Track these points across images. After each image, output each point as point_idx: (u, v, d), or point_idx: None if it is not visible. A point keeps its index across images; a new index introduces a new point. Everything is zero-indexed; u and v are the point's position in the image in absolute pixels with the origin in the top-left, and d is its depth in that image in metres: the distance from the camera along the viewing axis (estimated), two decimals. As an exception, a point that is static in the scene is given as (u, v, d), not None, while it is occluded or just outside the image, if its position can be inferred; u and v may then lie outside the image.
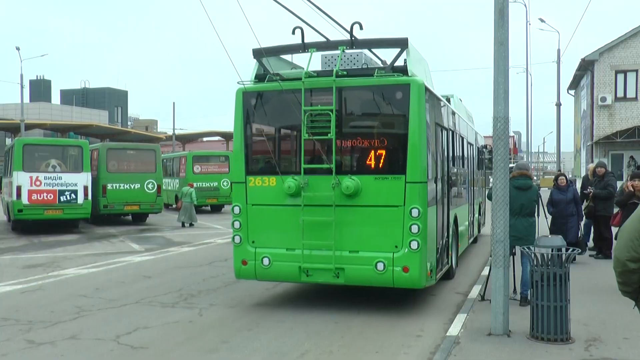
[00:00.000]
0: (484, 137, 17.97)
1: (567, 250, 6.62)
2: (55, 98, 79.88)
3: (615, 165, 28.08)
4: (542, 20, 36.95)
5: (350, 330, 7.30)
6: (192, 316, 7.96)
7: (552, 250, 6.54)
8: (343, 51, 8.01)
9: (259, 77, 8.32)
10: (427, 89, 7.87)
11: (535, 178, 13.95)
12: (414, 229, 7.51)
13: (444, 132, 9.45)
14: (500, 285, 6.72)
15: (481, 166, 15.29)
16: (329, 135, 7.70)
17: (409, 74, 7.69)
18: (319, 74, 8.02)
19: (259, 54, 8.12)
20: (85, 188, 18.26)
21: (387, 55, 8.46)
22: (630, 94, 30.06)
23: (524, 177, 8.41)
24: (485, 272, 9.68)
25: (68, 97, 77.92)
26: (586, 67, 31.62)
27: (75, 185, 18.09)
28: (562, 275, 6.45)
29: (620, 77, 30.14)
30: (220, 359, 6.21)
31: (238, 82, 8.19)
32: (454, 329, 6.94)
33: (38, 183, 17.67)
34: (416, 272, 7.57)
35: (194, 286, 9.93)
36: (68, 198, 17.99)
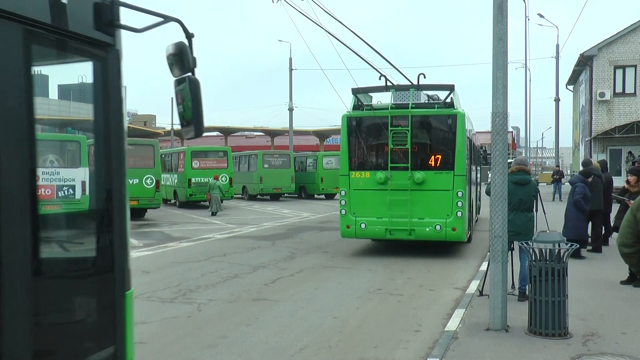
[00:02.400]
0: (483, 132, 20.30)
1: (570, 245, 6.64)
2: (53, 93, 79.88)
3: (613, 160, 28.13)
4: (541, 16, 36.94)
5: (349, 325, 7.32)
6: (190, 311, 7.97)
7: (551, 246, 6.56)
8: (413, 92, 12.24)
9: (355, 107, 12.51)
10: (465, 116, 12.16)
11: (533, 173, 14.01)
12: (459, 204, 11.78)
13: (469, 141, 13.16)
14: (498, 281, 6.74)
15: (479, 161, 18.52)
16: (406, 145, 11.95)
17: (455, 107, 11.98)
18: (397, 106, 12.09)
19: (356, 91, 12.45)
20: (83, 183, 18.23)
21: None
22: (629, 89, 30.07)
23: (523, 172, 8.42)
24: (484, 267, 9.70)
25: (65, 92, 77.89)
26: (585, 62, 31.63)
27: (73, 180, 18.03)
28: (561, 270, 6.47)
29: (619, 72, 30.15)
30: (219, 353, 6.22)
31: (347, 113, 12.54)
32: (453, 324, 6.96)
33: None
34: (460, 231, 11.87)
35: (193, 281, 9.94)
36: (66, 193, 17.94)
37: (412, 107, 12.06)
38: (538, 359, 5.76)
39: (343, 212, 12.47)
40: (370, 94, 13.05)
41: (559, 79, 37.84)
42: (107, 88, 3.03)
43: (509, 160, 9.39)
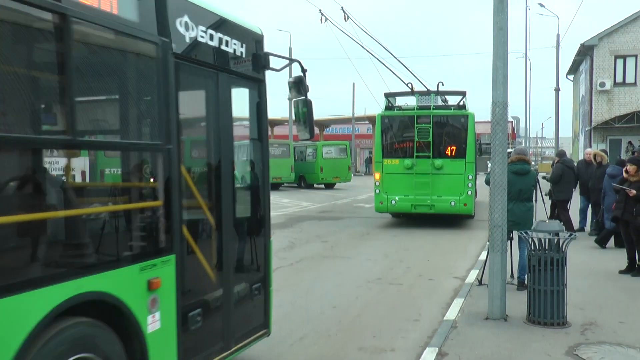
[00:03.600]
0: (482, 122, 23.37)
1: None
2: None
3: (613, 150, 28.05)
4: (541, 5, 36.77)
5: (348, 314, 7.34)
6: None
7: (550, 235, 6.57)
8: (433, 96, 15.35)
9: (387, 108, 15.69)
10: (474, 116, 15.44)
11: (533, 163, 14.17)
12: (469, 185, 14.93)
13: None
14: (497, 270, 6.75)
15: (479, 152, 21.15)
16: (428, 139, 14.94)
17: (467, 109, 15.37)
18: (421, 107, 15.21)
19: (388, 95, 15.79)
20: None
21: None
22: (630, 79, 29.97)
23: (522, 162, 8.41)
24: (483, 256, 9.72)
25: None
26: (585, 52, 31.51)
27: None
28: (560, 259, 6.48)
29: (620, 62, 30.04)
30: (218, 343, 6.23)
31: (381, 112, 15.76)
32: (452, 314, 6.98)
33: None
34: (470, 206, 15.12)
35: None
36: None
37: (433, 109, 15.24)
38: (536, 348, 5.78)
39: (377, 191, 15.49)
40: (397, 97, 16.17)
41: (559, 69, 37.72)
42: (261, 105, 5.31)
43: (509, 150, 9.42)
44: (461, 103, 15.45)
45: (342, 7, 13.42)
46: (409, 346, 6.12)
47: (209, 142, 4.70)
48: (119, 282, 3.58)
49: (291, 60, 5.42)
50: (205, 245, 4.66)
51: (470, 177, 14.96)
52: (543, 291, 6.47)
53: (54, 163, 3.62)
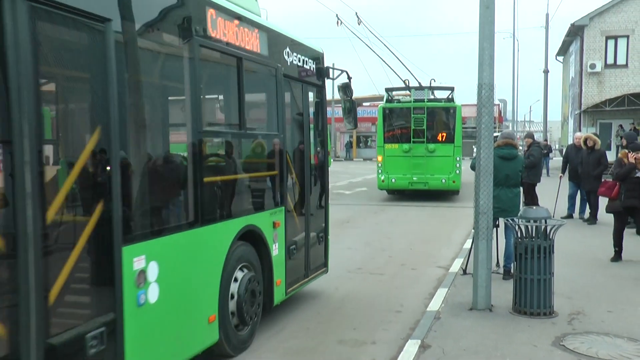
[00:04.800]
0: (468, 105, 26.15)
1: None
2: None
3: (603, 134, 28.39)
4: (530, -18, 36.90)
5: (328, 306, 7.38)
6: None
7: (537, 222, 6.65)
8: (426, 91, 18.92)
9: (388, 100, 19.28)
10: (461, 107, 19.03)
11: (520, 148, 14.32)
12: (457, 165, 18.39)
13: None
14: (483, 259, 6.81)
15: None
16: (422, 127, 18.42)
17: (454, 101, 18.98)
18: (416, 100, 18.62)
19: (389, 90, 19.40)
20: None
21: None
22: (621, 60, 30.25)
23: (509, 146, 8.45)
24: (468, 245, 9.81)
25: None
26: (575, 32, 31.74)
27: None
28: (547, 247, 6.57)
29: (611, 43, 30.30)
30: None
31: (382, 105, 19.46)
32: (435, 304, 7.04)
33: None
34: (458, 183, 18.70)
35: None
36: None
37: (426, 101, 18.67)
38: (522, 338, 5.87)
39: (379, 171, 19.06)
40: (395, 91, 19.93)
41: (548, 50, 37.97)
42: (323, 104, 7.74)
43: (495, 134, 9.55)
44: (450, 96, 19.16)
45: (356, 13, 16.38)
46: (390, 338, 6.18)
47: (300, 132, 7.27)
48: (261, 221, 6.02)
49: (342, 71, 7.91)
50: (297, 203, 7.04)
51: (458, 158, 18.59)
52: (529, 280, 6.55)
53: (236, 146, 6.00)
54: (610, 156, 26.13)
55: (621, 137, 14.50)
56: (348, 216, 15.46)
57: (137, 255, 4.06)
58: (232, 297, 5.49)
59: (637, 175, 9.28)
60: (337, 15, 15.90)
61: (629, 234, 9.72)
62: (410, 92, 18.96)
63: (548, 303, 6.59)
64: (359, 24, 16.57)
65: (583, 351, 5.50)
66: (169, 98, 5.19)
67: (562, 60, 41.31)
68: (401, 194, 20.53)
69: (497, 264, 8.62)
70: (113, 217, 3.80)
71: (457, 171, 18.47)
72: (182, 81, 4.90)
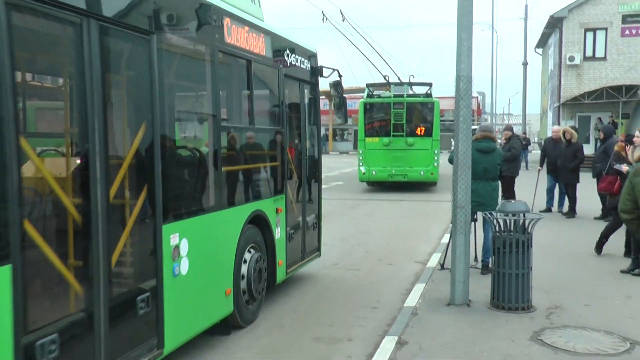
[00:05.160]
0: (446, 97, 26.53)
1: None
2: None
3: (582, 127, 28.80)
4: (509, -27, 37.20)
5: (303, 302, 7.39)
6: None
7: (516, 216, 6.72)
8: (406, 87, 20.26)
9: (369, 96, 20.48)
10: (439, 102, 20.54)
11: (499, 141, 14.44)
12: (435, 157, 19.58)
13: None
14: (461, 253, 6.86)
15: None
16: (402, 121, 19.59)
17: (433, 97, 20.14)
18: (396, 96, 19.82)
19: (370, 85, 20.69)
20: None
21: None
22: (600, 53, 30.66)
23: (488, 139, 8.52)
24: (446, 239, 9.88)
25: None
26: (554, 24, 32.09)
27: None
28: (525, 241, 6.64)
29: (590, 35, 30.69)
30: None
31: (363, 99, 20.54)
32: (412, 300, 7.09)
33: None
34: (436, 175, 19.83)
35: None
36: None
37: (406, 97, 19.86)
38: (500, 334, 5.93)
39: (360, 164, 20.05)
40: (375, 86, 21.16)
41: (527, 42, 38.42)
42: (316, 100, 8.64)
43: (474, 127, 9.65)
44: (428, 92, 20.25)
45: (340, 10, 18.06)
46: (367, 335, 6.20)
47: (297, 126, 8.08)
48: (267, 206, 6.85)
49: (333, 70, 8.73)
50: (295, 190, 7.89)
51: (436, 151, 19.77)
52: (508, 274, 6.62)
53: (247, 139, 6.76)
54: (589, 149, 26.56)
55: (599, 130, 14.70)
56: (324, 211, 15.30)
57: (172, 232, 4.86)
58: (243, 277, 6.31)
59: (615, 167, 9.42)
60: (322, 12, 17.43)
61: (605, 224, 9.86)
62: (390, 87, 20.18)
63: (526, 298, 6.66)
64: (343, 21, 18.22)
65: (560, 345, 5.58)
66: (197, 97, 5.96)
67: (541, 53, 41.77)
68: (379, 187, 21.27)
69: (475, 259, 8.70)
70: (155, 200, 4.64)
71: (435, 164, 19.67)
72: (205, 82, 5.75)
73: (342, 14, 17.77)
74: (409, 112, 19.73)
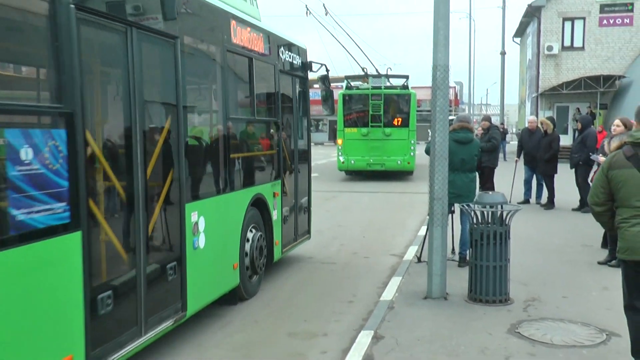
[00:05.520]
0: (423, 87, 27.62)
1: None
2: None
3: (560, 117, 29.13)
4: (487, -40, 37.40)
5: (278, 297, 7.38)
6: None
7: (493, 208, 6.78)
8: (383, 79, 21.59)
9: (347, 87, 21.74)
10: (416, 94, 21.88)
11: (476, 131, 14.51)
12: (412, 147, 20.82)
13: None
14: (438, 246, 6.90)
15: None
16: (380, 112, 20.65)
17: (409, 89, 21.37)
18: (374, 87, 20.99)
19: (348, 78, 22.15)
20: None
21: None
22: (578, 43, 31.00)
23: (465, 130, 8.56)
24: (422, 232, 9.94)
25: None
26: (533, 13, 32.37)
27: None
28: (503, 233, 6.70)
29: (568, 24, 31.01)
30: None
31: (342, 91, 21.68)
32: (388, 294, 7.12)
33: None
34: (412, 164, 21.03)
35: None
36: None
37: (383, 89, 21.08)
38: (478, 327, 5.99)
39: (339, 153, 21.37)
40: (353, 78, 22.67)
41: (505, 31, 38.73)
42: (306, 92, 9.54)
43: (451, 118, 9.72)
44: (405, 84, 21.47)
45: (323, 4, 19.29)
46: (342, 330, 6.22)
47: (290, 117, 8.83)
48: (266, 190, 7.66)
49: (321, 65, 9.53)
50: (288, 176, 8.60)
51: (412, 141, 21.03)
52: (485, 267, 6.68)
53: (250, 129, 7.59)
54: (567, 140, 26.87)
55: (577, 121, 14.90)
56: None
57: (193, 210, 5.71)
58: (247, 254, 7.10)
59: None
60: (306, 6, 18.87)
61: (584, 217, 10.01)
62: (368, 79, 21.52)
63: (504, 290, 6.74)
64: (326, 15, 19.69)
65: (538, 338, 5.66)
66: (210, 92, 6.77)
67: (519, 42, 42.10)
68: (355, 178, 22.22)
69: (453, 251, 8.77)
70: (180, 182, 5.50)
71: (412, 153, 20.97)
72: (216, 78, 6.58)
73: (325, 7, 19.07)
74: (386, 104, 20.85)
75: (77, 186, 4.04)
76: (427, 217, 7.38)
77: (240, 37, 6.93)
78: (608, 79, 28.84)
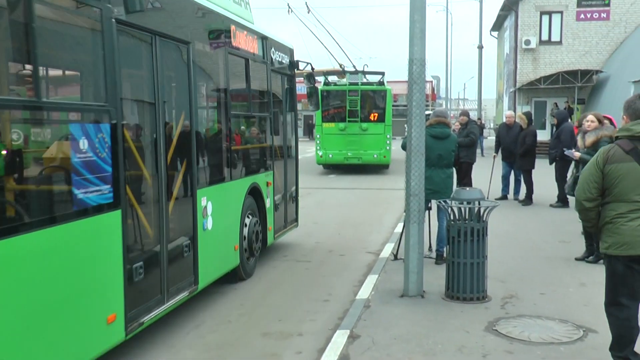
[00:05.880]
0: (399, 81, 29.24)
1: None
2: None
3: (538, 112, 29.48)
4: (464, -47, 37.64)
5: (251, 297, 7.37)
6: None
7: (469, 204, 6.83)
8: (360, 75, 22.58)
9: (325, 83, 22.42)
10: (391, 90, 23.59)
11: (453, 127, 14.60)
12: (387, 142, 22.23)
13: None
14: (414, 243, 6.92)
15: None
16: (357, 107, 22.02)
17: (385, 85, 23.02)
18: (351, 84, 22.30)
19: (326, 73, 22.22)
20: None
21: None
22: (555, 37, 31.37)
23: (442, 125, 8.59)
24: (399, 229, 9.99)
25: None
26: (510, 7, 32.70)
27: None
28: (480, 230, 6.75)
29: (545, 18, 31.36)
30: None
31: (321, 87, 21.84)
32: (364, 292, 7.14)
33: None
34: (388, 158, 22.55)
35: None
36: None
37: (360, 85, 22.29)
38: (455, 325, 6.03)
39: (318, 147, 22.42)
40: (330, 75, 23.38)
41: (482, 25, 39.02)
42: (293, 90, 10.39)
43: (428, 112, 9.77)
44: (381, 80, 22.92)
45: (306, 2, 19.69)
46: (318, 329, 6.23)
47: (280, 112, 9.68)
48: (260, 180, 8.53)
49: (307, 63, 10.45)
50: (279, 167, 9.46)
51: (388, 136, 22.21)
52: (462, 264, 6.73)
53: (247, 124, 8.72)
54: (545, 135, 27.18)
55: (554, 116, 15.10)
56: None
57: (202, 196, 6.58)
58: (245, 237, 7.93)
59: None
60: (288, 4, 19.43)
61: (561, 213, 10.15)
62: (345, 75, 22.48)
63: (481, 287, 6.79)
64: (308, 13, 20.44)
65: (515, 335, 5.72)
66: (215, 90, 7.49)
67: (497, 36, 42.48)
68: (331, 173, 23.38)
69: (430, 248, 8.83)
70: (192, 169, 6.37)
71: (388, 147, 22.28)
72: (220, 78, 7.42)
73: (307, 6, 19.93)
74: (363, 99, 22.18)
75: (118, 171, 4.90)
76: (404, 213, 7.41)
77: (239, 40, 7.85)
78: (585, 74, 29.24)
